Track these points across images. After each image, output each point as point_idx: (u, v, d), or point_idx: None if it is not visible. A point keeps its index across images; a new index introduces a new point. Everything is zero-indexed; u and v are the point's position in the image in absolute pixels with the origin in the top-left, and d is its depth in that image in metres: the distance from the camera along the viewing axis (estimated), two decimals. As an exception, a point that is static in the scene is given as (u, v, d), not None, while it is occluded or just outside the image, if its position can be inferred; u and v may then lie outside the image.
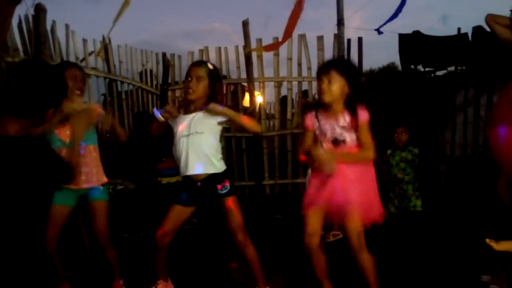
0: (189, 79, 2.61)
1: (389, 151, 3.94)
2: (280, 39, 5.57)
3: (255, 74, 6.11)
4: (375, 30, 5.94)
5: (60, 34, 4.93)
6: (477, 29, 6.19)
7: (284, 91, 6.38)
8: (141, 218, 4.48)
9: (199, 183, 2.61)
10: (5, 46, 3.84)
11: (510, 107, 2.56)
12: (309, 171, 3.39)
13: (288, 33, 5.25)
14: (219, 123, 2.63)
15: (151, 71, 6.82)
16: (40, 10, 4.14)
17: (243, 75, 6.20)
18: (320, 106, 2.53)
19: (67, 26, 5.07)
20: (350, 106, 2.45)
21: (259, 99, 6.39)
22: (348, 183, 2.40)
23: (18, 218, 1.71)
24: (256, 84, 6.17)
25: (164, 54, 6.71)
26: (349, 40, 6.10)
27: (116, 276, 2.91)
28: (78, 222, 3.56)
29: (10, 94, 1.70)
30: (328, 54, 5.98)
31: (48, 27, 4.53)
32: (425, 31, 6.63)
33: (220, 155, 2.66)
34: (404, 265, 3.27)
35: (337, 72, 2.43)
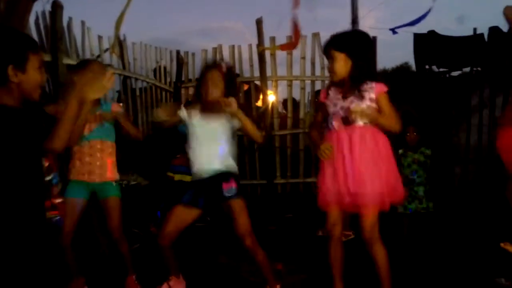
0: (205, 82, 2.61)
1: (400, 151, 3.87)
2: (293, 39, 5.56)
3: (268, 72, 6.10)
4: (390, 29, 5.91)
5: (76, 30, 5.00)
6: (493, 30, 6.11)
7: (296, 90, 6.38)
8: (152, 214, 4.50)
9: (206, 179, 2.60)
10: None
11: None
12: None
13: (296, 33, 5.24)
14: (232, 127, 2.65)
15: (165, 69, 6.86)
16: (57, 7, 4.18)
17: (256, 73, 6.20)
18: (334, 85, 2.49)
19: (83, 23, 5.13)
20: (356, 80, 2.36)
21: (271, 97, 6.38)
22: (362, 167, 2.31)
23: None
24: (269, 83, 6.16)
25: (178, 52, 6.73)
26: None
27: (129, 271, 2.93)
28: (92, 224, 3.58)
29: None
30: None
31: (65, 24, 4.58)
32: (441, 31, 6.57)
33: (231, 157, 2.67)
34: (417, 266, 3.24)
35: (336, 50, 2.37)
